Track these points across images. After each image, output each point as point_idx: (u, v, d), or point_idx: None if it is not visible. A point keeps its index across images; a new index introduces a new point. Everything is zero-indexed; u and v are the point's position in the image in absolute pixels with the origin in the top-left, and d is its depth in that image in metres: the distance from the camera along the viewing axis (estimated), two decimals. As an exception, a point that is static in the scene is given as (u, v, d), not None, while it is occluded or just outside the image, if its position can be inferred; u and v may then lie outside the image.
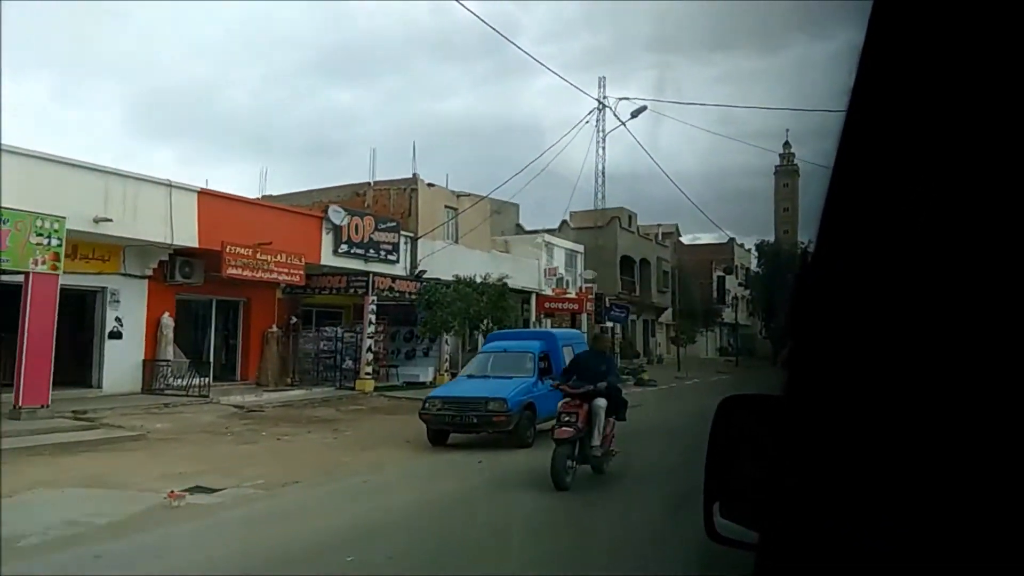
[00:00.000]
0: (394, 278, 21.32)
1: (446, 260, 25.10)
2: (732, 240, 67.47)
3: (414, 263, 24.86)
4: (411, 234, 25.09)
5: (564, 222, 45.86)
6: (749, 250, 62.79)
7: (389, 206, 25.55)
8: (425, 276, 24.13)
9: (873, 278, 0.63)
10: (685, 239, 69.71)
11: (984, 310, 0.57)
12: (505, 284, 24.30)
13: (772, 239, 55.49)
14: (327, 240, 21.39)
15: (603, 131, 27.15)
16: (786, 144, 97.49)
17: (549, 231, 45.33)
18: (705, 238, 76.87)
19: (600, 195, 27.92)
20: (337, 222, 21.25)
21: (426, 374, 23.69)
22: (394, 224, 24.07)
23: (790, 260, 55.45)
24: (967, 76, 0.59)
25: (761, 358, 59.23)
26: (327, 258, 21.37)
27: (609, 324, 37.09)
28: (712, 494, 1.29)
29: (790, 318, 0.73)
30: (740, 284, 57.56)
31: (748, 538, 1.05)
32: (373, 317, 21.30)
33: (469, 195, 26.84)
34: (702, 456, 1.34)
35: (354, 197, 26.07)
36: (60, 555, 6.24)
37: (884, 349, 0.62)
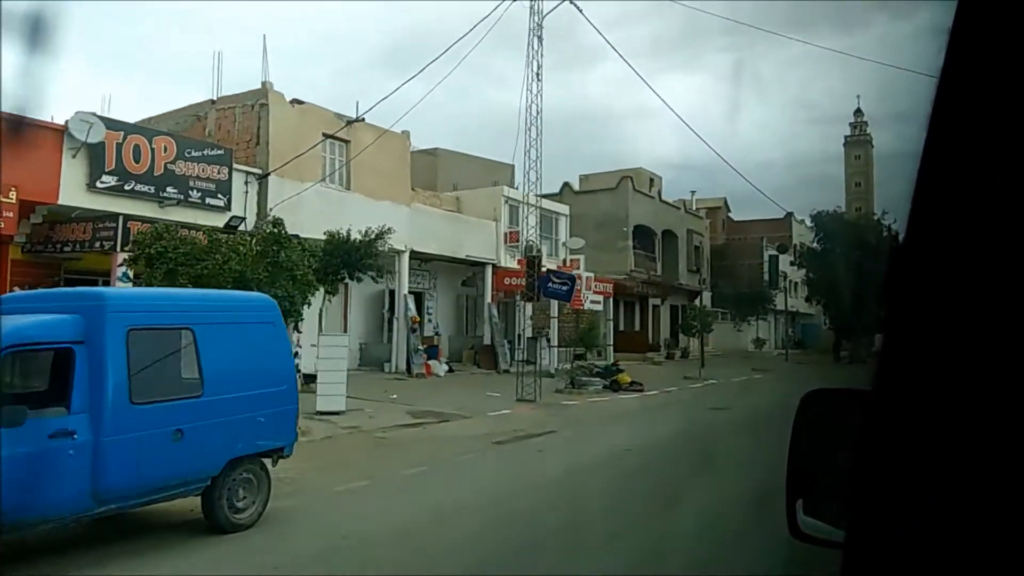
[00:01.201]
0: (178, 227, 13.21)
1: (328, 212, 17.06)
2: (790, 215, 56.84)
3: (262, 211, 16.89)
4: (257, 170, 17.09)
5: (566, 185, 37.13)
6: (812, 227, 52.35)
7: (234, 132, 17.65)
8: (269, 228, 16.12)
9: (969, 267, 0.60)
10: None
11: None
12: (377, 237, 16.10)
13: (831, 209, 45.06)
14: (74, 168, 13.61)
15: (537, 60, 18.74)
16: (857, 111, 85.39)
17: (549, 196, 36.69)
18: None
19: (533, 150, 19.42)
20: (85, 139, 13.39)
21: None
22: (220, 153, 16.11)
23: (856, 234, 45.08)
24: None
25: (822, 351, 49.02)
26: (75, 196, 13.61)
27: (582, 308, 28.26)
28: (795, 491, 1.22)
29: (883, 308, 0.67)
30: (792, 263, 47.42)
31: (834, 536, 1.04)
32: (129, 286, 13.38)
33: (364, 121, 18.79)
34: None
35: (195, 123, 18.27)
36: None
37: (981, 342, 0.59)
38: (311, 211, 17.49)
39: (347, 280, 16.55)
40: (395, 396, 15.47)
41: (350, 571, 5.25)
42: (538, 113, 21.73)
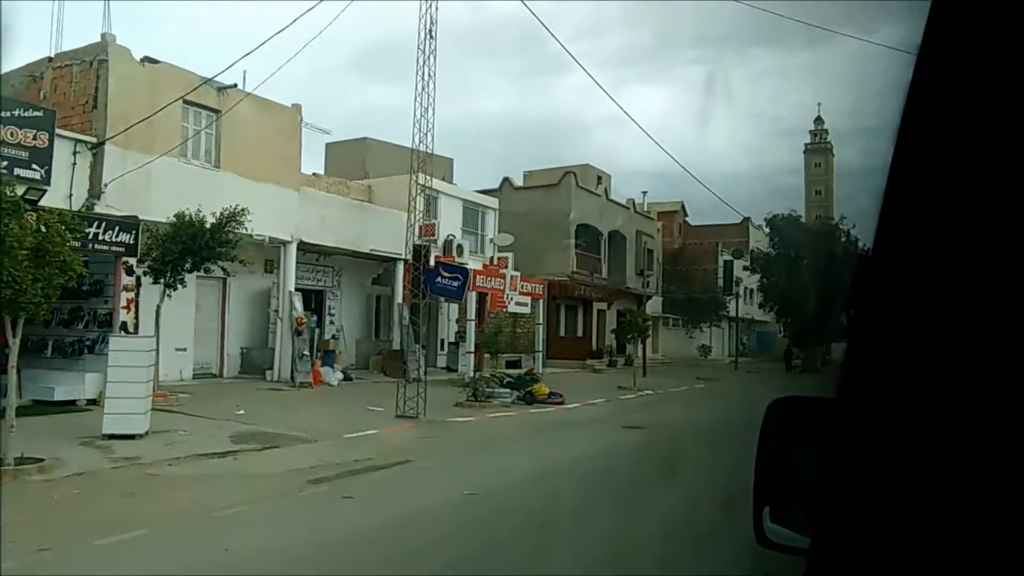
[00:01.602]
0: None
1: (188, 193, 14.18)
2: (747, 220, 54.99)
3: (96, 187, 13.99)
4: (91, 138, 14.19)
5: (506, 180, 34.57)
6: (766, 231, 50.40)
7: (70, 94, 14.71)
8: (111, 212, 13.26)
9: (936, 277, 0.61)
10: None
11: None
12: (228, 220, 13.37)
13: (786, 213, 43.11)
14: None
15: (429, 56, 15.94)
16: (818, 119, 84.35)
17: (488, 191, 34.13)
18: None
19: (423, 142, 16.71)
20: None
21: (80, 388, 12.84)
22: (38, 115, 13.19)
23: (812, 239, 43.23)
24: None
25: (776, 360, 47.13)
26: None
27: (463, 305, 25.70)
28: (762, 498, 1.22)
29: (849, 316, 0.69)
30: (746, 268, 45.41)
31: (799, 544, 1.05)
32: None
33: (236, 88, 15.99)
34: None
35: (31, 85, 15.30)
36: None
37: (947, 351, 0.59)
38: (165, 190, 14.64)
39: (200, 271, 13.71)
40: (242, 412, 12.68)
41: None
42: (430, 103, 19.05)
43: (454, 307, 25.57)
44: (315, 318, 21.31)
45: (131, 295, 13.78)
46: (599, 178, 37.84)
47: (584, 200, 34.26)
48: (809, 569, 0.66)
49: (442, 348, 25.32)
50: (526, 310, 24.04)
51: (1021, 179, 0.56)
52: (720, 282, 53.23)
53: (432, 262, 14.93)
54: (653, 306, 44.39)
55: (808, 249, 42.54)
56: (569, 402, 18.41)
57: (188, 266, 13.33)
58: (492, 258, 24.92)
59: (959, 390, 0.57)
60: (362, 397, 16.21)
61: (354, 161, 28.95)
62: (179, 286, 13.57)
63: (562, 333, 34.07)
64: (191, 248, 13.12)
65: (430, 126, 17.25)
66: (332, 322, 21.71)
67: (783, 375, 37.90)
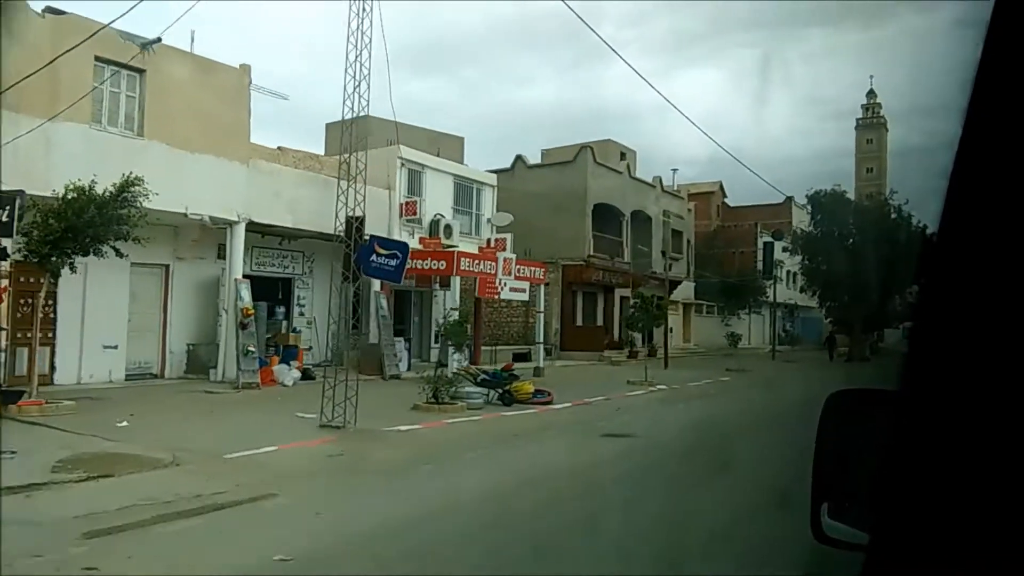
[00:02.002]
0: None
1: (103, 164, 11.99)
2: (790, 200, 51.06)
3: (-24, 160, 11.87)
4: (-32, 100, 12.06)
5: (519, 158, 31.88)
6: (808, 208, 46.46)
7: (-45, 52, 12.66)
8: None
9: (1005, 265, 0.59)
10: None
11: None
12: (121, 191, 11.13)
13: (829, 188, 39.30)
14: None
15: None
16: (870, 93, 79.12)
17: (500, 171, 31.55)
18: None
19: (357, 107, 13.94)
20: None
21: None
22: None
23: (859, 217, 39.40)
24: None
25: (821, 348, 43.55)
26: None
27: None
28: (820, 494, 1.19)
29: (913, 306, 0.67)
30: (785, 249, 41.78)
31: (858, 539, 1.01)
32: None
33: (161, 42, 13.71)
34: None
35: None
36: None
37: (1013, 343, 0.57)
38: (71, 161, 12.47)
39: (91, 254, 11.48)
40: (125, 424, 10.42)
41: None
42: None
43: (446, 294, 23.12)
44: (283, 309, 19.10)
45: (4, 282, 11.65)
46: (622, 155, 34.84)
47: (602, 178, 31.36)
48: (867, 564, 0.65)
49: (436, 341, 22.90)
50: (524, 296, 21.41)
51: None
52: (759, 265, 49.67)
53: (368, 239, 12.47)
54: (684, 292, 41.24)
55: (855, 227, 38.80)
56: (559, 402, 15.79)
57: (77, 247, 11.13)
58: (489, 240, 22.33)
59: (1022, 384, 0.54)
60: (307, 401, 13.84)
61: (355, 141, 26.69)
62: (70, 271, 11.40)
63: (579, 322, 31.36)
64: (75, 226, 10.91)
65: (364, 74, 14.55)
66: (302, 314, 19.46)
67: (824, 365, 34.47)
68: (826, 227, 39.07)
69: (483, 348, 24.80)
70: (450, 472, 8.69)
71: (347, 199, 12.43)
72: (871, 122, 79.32)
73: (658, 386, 20.42)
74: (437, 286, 20.79)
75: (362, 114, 13.20)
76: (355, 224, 11.75)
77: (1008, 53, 0.56)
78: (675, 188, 39.35)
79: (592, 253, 30.45)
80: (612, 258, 31.71)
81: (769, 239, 45.84)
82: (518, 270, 20.94)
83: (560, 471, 8.93)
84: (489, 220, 22.86)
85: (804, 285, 42.11)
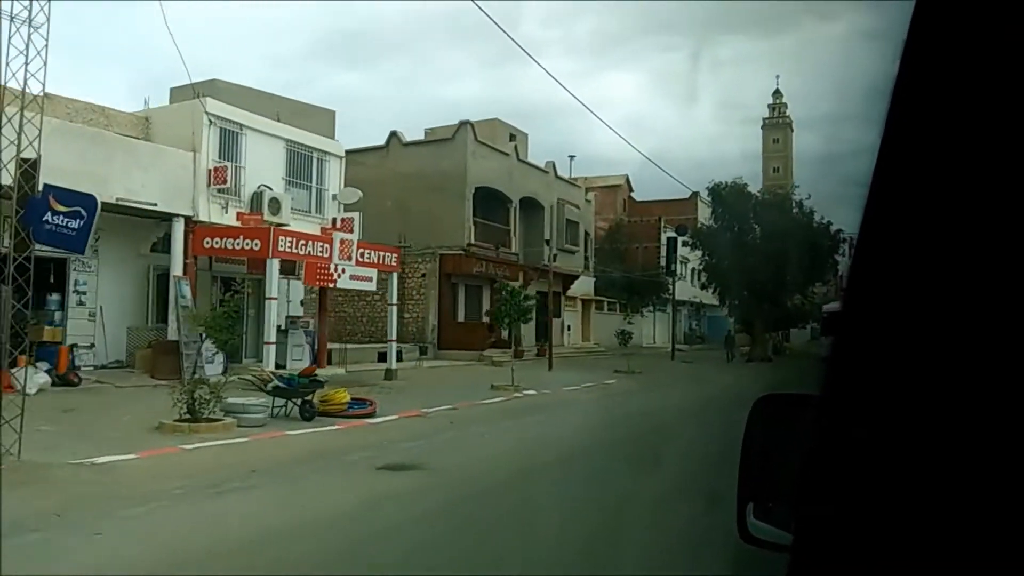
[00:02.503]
0: None
1: None
2: (696, 195, 49.41)
3: None
4: None
5: (394, 135, 28.47)
6: (708, 201, 44.66)
7: None
8: None
9: (926, 272, 0.60)
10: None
11: None
12: None
13: (730, 181, 37.49)
14: None
15: None
16: (776, 92, 79.07)
17: (373, 148, 28.14)
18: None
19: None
20: None
21: None
22: None
23: (759, 210, 37.73)
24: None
25: (723, 349, 41.93)
26: None
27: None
28: (746, 494, 1.22)
29: (839, 310, 0.66)
30: (685, 244, 39.86)
31: (782, 540, 1.05)
32: None
33: None
34: None
35: None
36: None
37: (933, 347, 0.59)
38: None
39: None
40: None
41: None
42: None
43: (298, 283, 19.56)
44: (57, 297, 15.22)
45: None
46: (512, 136, 31.89)
47: (485, 159, 28.31)
48: (792, 565, 0.65)
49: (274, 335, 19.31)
50: (369, 286, 18.07)
51: (1013, 170, 0.54)
52: (663, 261, 47.84)
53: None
54: (583, 287, 38.74)
55: (755, 222, 37.12)
56: (386, 413, 12.63)
57: None
58: (335, 220, 18.90)
59: (943, 387, 0.56)
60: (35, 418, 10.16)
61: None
62: None
63: (460, 318, 28.24)
64: None
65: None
66: (82, 303, 15.59)
67: (722, 366, 32.50)
68: (726, 221, 37.25)
69: (336, 346, 21.34)
70: (62, 546, 5.32)
71: (335, 198, 8.75)
72: (777, 122, 79.34)
73: (527, 392, 17.49)
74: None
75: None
76: (23, 169, 8.08)
77: (927, 62, 0.57)
78: (572, 176, 36.74)
79: (473, 242, 27.37)
80: (497, 248, 28.72)
81: (672, 234, 43.96)
82: (362, 255, 17.59)
83: (259, 538, 5.69)
84: (335, 197, 19.41)
85: (705, 282, 40.24)
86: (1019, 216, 0.54)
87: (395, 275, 18.78)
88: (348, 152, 28.89)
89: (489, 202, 29.51)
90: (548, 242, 27.28)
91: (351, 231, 18.57)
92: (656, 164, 46.72)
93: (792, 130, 78.77)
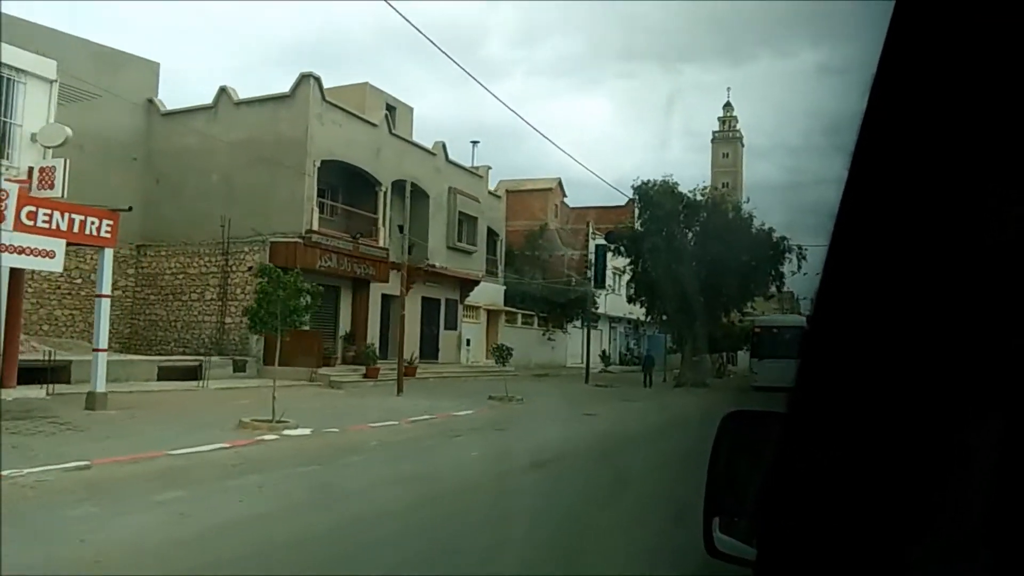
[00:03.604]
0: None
1: None
2: (633, 201, 43.66)
3: None
4: None
5: (223, 91, 22.06)
6: (635, 201, 38.75)
7: None
8: None
9: (891, 294, 0.60)
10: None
11: (1013, 331, 0.56)
12: None
13: (658, 180, 31.74)
14: None
15: None
16: (727, 105, 74.39)
17: (199, 109, 21.73)
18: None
19: None
20: None
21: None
22: None
23: (692, 212, 32.01)
24: (991, 76, 0.57)
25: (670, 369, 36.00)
26: None
27: None
28: (712, 509, 1.22)
29: (805, 333, 0.66)
30: (610, 251, 33.97)
31: (747, 555, 1.06)
32: None
33: None
34: None
35: None
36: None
37: (900, 367, 0.59)
38: None
39: None
40: None
41: None
42: None
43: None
44: None
45: None
46: (390, 108, 25.68)
47: (340, 127, 22.02)
48: None
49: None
50: (53, 265, 11.53)
51: (979, 200, 0.55)
52: (589, 271, 41.95)
53: None
54: (490, 296, 32.56)
55: (687, 224, 31.39)
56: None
57: None
58: (32, 168, 12.41)
59: (908, 407, 0.57)
60: None
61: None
62: None
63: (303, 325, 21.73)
64: None
65: None
66: None
67: (641, 391, 26.48)
68: (654, 224, 31.44)
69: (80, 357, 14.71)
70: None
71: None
72: (727, 136, 74.58)
73: (292, 432, 11.19)
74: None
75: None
76: None
77: (896, 97, 0.57)
78: (473, 166, 30.63)
79: (317, 228, 21.01)
80: (356, 239, 22.38)
81: (602, 241, 38.15)
82: (45, 217, 11.13)
83: None
84: (34, 136, 12.94)
85: (632, 294, 34.34)
86: (984, 243, 0.54)
87: (108, 251, 12.28)
88: (169, 113, 22.54)
89: (350, 183, 23.25)
90: (402, 228, 20.99)
91: (51, 187, 12.13)
92: (588, 169, 41.18)
93: (743, 145, 74.07)
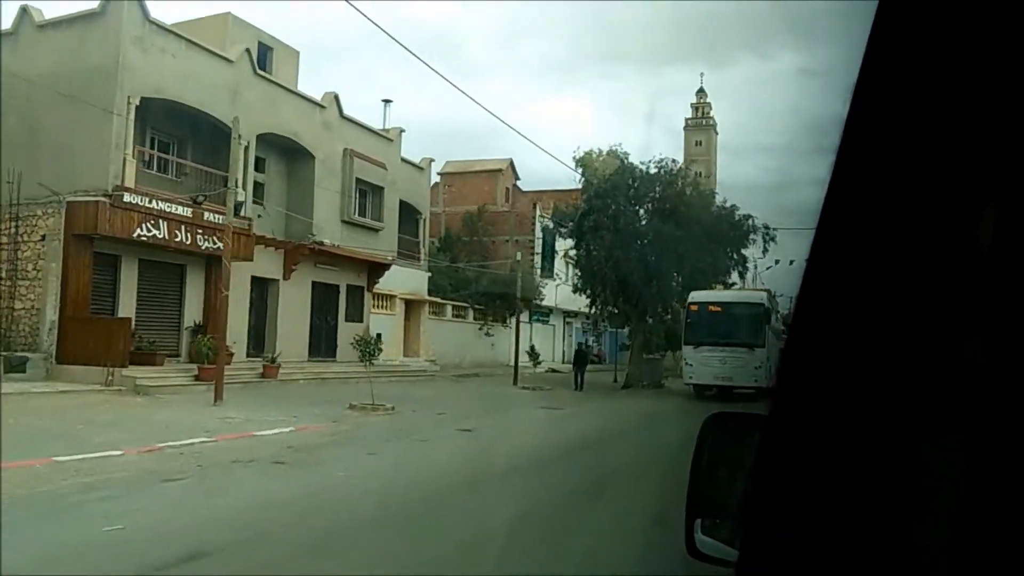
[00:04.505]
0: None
1: None
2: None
3: None
4: None
5: (24, 11, 16.98)
6: (577, 173, 33.69)
7: None
8: None
9: (872, 296, 0.60)
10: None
11: (995, 334, 0.55)
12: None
13: (604, 150, 26.90)
14: None
15: None
16: (700, 91, 69.63)
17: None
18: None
19: None
20: None
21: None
22: None
23: (642, 185, 27.18)
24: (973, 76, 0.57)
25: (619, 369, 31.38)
26: None
27: None
28: (694, 510, 1.20)
29: (789, 333, 0.65)
30: (560, 233, 29.09)
31: (728, 556, 1.05)
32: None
33: None
34: None
35: None
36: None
37: (881, 370, 0.60)
38: None
39: None
40: None
41: None
42: None
43: None
44: None
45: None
46: (266, 48, 20.62)
47: (172, 58, 16.92)
48: None
49: None
50: None
51: (960, 200, 0.55)
52: (536, 259, 37.12)
53: None
54: (410, 284, 27.59)
55: (637, 200, 26.51)
56: None
57: None
58: None
59: (888, 409, 0.57)
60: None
61: None
62: None
63: (124, 312, 16.69)
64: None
65: None
66: None
67: (572, 395, 21.61)
68: (599, 200, 26.54)
69: None
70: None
71: None
72: (701, 123, 69.82)
73: None
74: None
75: None
76: None
77: (877, 100, 0.57)
78: (385, 128, 25.55)
79: (134, 186, 15.93)
80: (198, 203, 17.31)
81: (549, 223, 33.37)
82: None
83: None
84: None
85: (577, 283, 29.48)
86: (967, 246, 0.54)
87: None
88: None
89: (198, 135, 18.19)
90: (237, 183, 15.89)
91: None
92: (539, 147, 36.15)
93: (716, 133, 69.38)
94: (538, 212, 36.37)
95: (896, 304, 0.57)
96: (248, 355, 19.44)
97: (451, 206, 39.01)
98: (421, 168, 28.21)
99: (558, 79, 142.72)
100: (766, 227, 27.00)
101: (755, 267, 34.81)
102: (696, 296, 22.11)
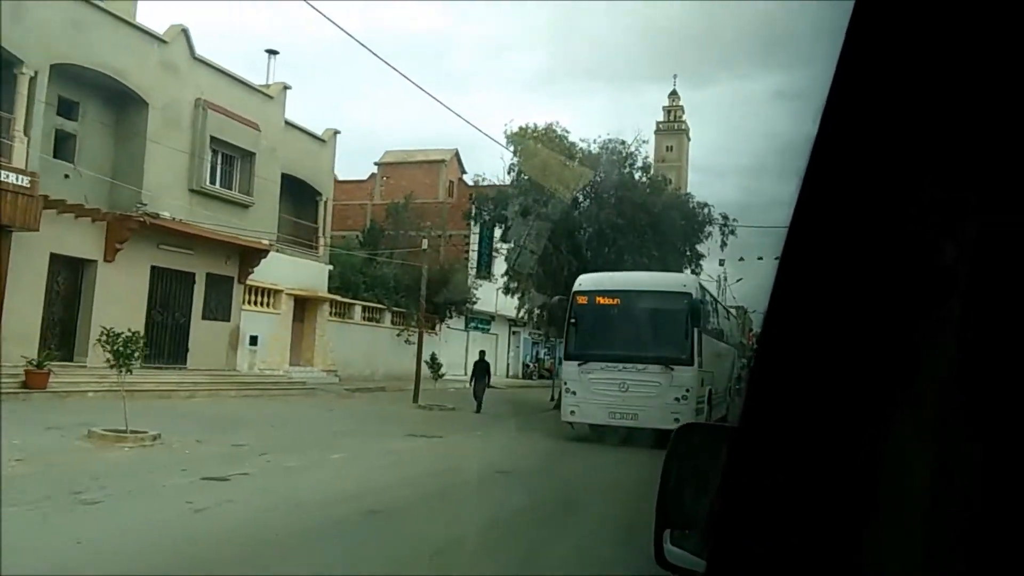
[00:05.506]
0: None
1: None
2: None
3: None
4: None
5: None
6: (509, 152, 29.05)
7: None
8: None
9: (841, 307, 0.60)
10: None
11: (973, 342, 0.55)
12: None
13: (543, 125, 22.38)
14: None
15: None
16: (672, 94, 65.48)
17: None
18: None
19: None
20: None
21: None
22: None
23: (585, 167, 22.61)
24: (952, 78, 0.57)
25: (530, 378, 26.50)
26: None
27: None
28: (663, 521, 1.19)
29: (755, 349, 0.65)
30: (475, 211, 24.45)
31: (697, 567, 1.04)
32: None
33: None
34: None
35: None
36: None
37: (851, 381, 0.59)
38: None
39: None
40: None
41: None
42: None
43: None
44: None
45: None
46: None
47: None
48: None
49: None
50: None
51: (929, 218, 0.55)
52: (471, 256, 32.38)
53: None
54: (304, 278, 22.71)
55: (570, 183, 21.90)
56: None
57: None
58: None
59: (859, 420, 0.57)
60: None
61: None
62: None
63: None
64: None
65: None
66: None
67: (464, 421, 16.88)
68: (529, 183, 21.91)
69: None
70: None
71: None
72: (672, 127, 65.62)
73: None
74: None
75: None
76: None
77: (846, 121, 0.57)
78: (265, 84, 20.74)
79: None
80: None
81: (489, 217, 28.62)
82: None
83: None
84: None
85: (507, 282, 24.78)
86: (933, 259, 0.55)
87: None
88: None
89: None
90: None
91: None
92: (484, 133, 31.53)
93: (688, 138, 65.28)
94: (475, 204, 31.64)
95: (864, 318, 0.57)
96: (49, 358, 14.46)
97: (389, 199, 34.33)
98: (323, 140, 23.40)
99: (540, 94, 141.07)
100: (724, 218, 22.64)
101: (724, 279, 30.45)
102: (585, 282, 13.78)
